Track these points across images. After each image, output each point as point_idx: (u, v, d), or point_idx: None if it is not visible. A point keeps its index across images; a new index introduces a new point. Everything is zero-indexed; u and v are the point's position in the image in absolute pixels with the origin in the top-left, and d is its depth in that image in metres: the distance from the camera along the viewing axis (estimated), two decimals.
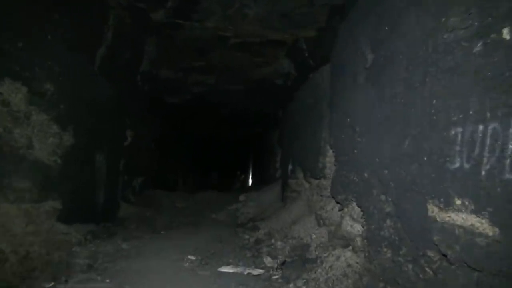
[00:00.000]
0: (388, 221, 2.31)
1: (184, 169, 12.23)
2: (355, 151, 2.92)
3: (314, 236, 3.57)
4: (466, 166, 1.56)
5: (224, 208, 7.02)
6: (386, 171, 2.36)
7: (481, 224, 1.48)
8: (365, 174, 2.69)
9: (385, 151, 2.37)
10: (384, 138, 2.41)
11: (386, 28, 2.47)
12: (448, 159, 1.68)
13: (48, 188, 3.87)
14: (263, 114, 9.60)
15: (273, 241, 4.00)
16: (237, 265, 3.29)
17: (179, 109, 9.52)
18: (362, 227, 2.78)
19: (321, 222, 3.81)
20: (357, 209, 2.90)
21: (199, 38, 6.05)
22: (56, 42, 3.88)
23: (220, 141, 13.85)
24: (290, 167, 5.64)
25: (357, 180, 2.86)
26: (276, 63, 7.01)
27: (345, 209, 3.19)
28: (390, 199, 2.30)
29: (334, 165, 3.57)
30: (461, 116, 1.61)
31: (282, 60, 6.87)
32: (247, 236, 4.55)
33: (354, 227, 2.99)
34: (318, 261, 3.09)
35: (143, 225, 5.22)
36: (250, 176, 14.08)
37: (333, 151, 3.65)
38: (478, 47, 1.56)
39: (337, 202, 3.34)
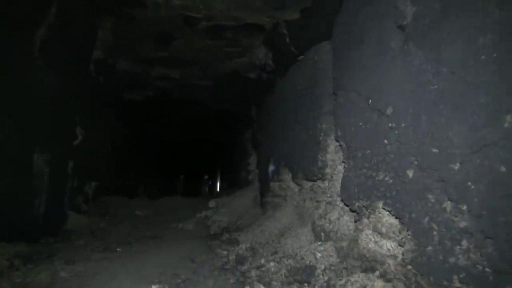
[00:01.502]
0: (464, 243, 1.48)
1: (146, 173, 11.04)
2: (385, 141, 2.08)
3: (319, 254, 2.69)
4: None
5: (192, 216, 6.01)
6: (457, 166, 1.53)
7: None
8: (409, 173, 1.86)
9: (456, 137, 1.55)
10: (450, 119, 1.59)
11: None
12: None
13: None
14: (233, 112, 8.69)
15: (262, 260, 3.08)
16: None
17: (140, 107, 8.42)
18: (400, 246, 1.95)
19: (322, 235, 2.95)
20: (390, 220, 2.07)
21: (163, 20, 5.07)
22: None
23: (186, 142, 12.77)
24: (271, 168, 4.76)
25: (390, 181, 2.03)
26: (251, 53, 6.14)
27: (365, 220, 2.35)
28: (466, 208, 1.48)
29: (343, 162, 2.73)
30: None
31: (258, 50, 6.01)
32: (225, 252, 3.61)
33: (381, 244, 2.14)
34: None
35: (94, 240, 4.14)
36: (219, 180, 13.08)
37: (339, 145, 2.81)
38: None
39: (352, 211, 2.50)
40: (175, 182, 15.43)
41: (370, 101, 2.25)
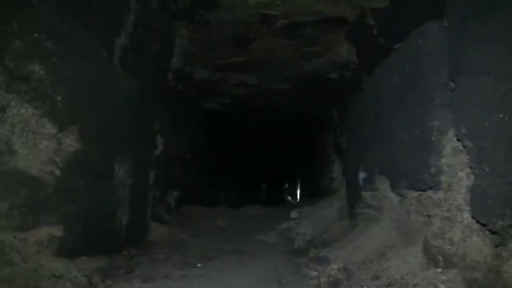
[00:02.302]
0: None
1: (226, 182, 10.96)
2: None
3: (442, 286, 2.09)
4: None
5: (273, 227, 5.63)
6: None
7: None
8: None
9: None
10: None
11: None
12: None
13: (40, 210, 2.68)
14: (313, 116, 8.20)
15: (361, 286, 2.55)
16: None
17: (218, 115, 8.32)
18: None
19: (441, 259, 2.33)
20: None
21: (239, 21, 4.81)
22: (49, 10, 2.72)
23: (264, 149, 12.52)
24: (362, 175, 4.17)
25: None
26: (332, 51, 5.64)
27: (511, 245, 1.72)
28: None
29: (471, 167, 2.10)
30: None
31: (339, 47, 5.48)
32: (314, 273, 3.13)
33: None
34: None
35: (175, 253, 3.92)
36: (299, 188, 12.57)
37: (463, 146, 2.19)
38: None
39: (493, 232, 1.87)
40: (256, 190, 15.21)
41: None
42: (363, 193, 4.07)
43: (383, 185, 3.51)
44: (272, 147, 12.12)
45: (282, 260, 3.71)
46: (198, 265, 3.42)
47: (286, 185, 14.40)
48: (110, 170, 3.65)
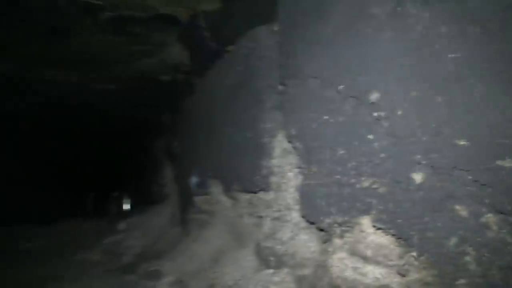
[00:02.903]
0: None
1: (41, 193, 9.33)
2: (370, 136, 1.56)
3: (273, 287, 2.07)
4: None
5: (98, 242, 4.96)
6: (509, 163, 1.05)
7: None
8: (415, 177, 1.35)
9: (506, 120, 1.07)
10: (492, 93, 1.11)
11: None
12: None
13: None
14: (142, 120, 7.70)
15: None
16: None
17: (24, 117, 6.98)
18: (401, 274, 1.42)
19: (273, 260, 2.34)
20: (379, 240, 1.54)
21: (56, 9, 4.06)
22: None
23: (91, 156, 11.22)
24: (195, 179, 4.03)
25: (383, 189, 1.50)
26: (163, 52, 5.36)
27: (336, 241, 1.80)
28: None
29: (300, 168, 2.16)
30: None
31: (172, 48, 5.25)
32: None
33: (365, 272, 1.60)
34: None
35: None
36: (128, 196, 11.67)
37: (293, 147, 2.24)
38: None
39: (320, 229, 1.93)
40: (82, 201, 13.46)
41: (341, 87, 1.72)
42: (195, 198, 3.92)
43: (216, 189, 3.43)
44: (99, 153, 10.96)
45: (108, 281, 3.21)
46: None
47: (115, 194, 13.23)
48: None
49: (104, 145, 10.16)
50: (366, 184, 1.57)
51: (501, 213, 1.06)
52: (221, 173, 3.30)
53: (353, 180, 1.64)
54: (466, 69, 1.17)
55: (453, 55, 1.22)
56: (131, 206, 11.00)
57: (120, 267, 3.77)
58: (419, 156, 1.32)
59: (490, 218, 1.10)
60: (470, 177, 1.14)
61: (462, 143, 1.17)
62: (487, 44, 1.11)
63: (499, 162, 1.08)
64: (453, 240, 1.19)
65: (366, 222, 1.58)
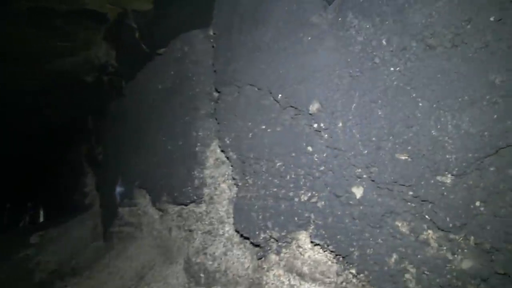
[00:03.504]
0: None
1: None
2: (310, 148, 1.48)
3: None
4: None
5: (8, 257, 4.37)
6: (449, 179, 1.03)
7: None
8: (355, 191, 1.30)
9: (447, 135, 1.05)
10: (433, 109, 1.09)
11: None
12: None
13: None
14: (63, 124, 7.06)
15: None
16: None
17: None
18: None
19: (203, 277, 2.18)
20: (317, 257, 1.46)
21: None
22: None
23: (5, 163, 10.01)
24: (119, 189, 3.71)
25: (321, 203, 1.43)
26: (89, 51, 4.97)
27: (272, 257, 1.70)
28: (472, 240, 0.97)
29: (234, 179, 2.03)
30: None
31: (98, 47, 4.89)
32: None
33: None
34: None
35: None
36: (44, 207, 10.57)
37: (227, 157, 2.11)
38: None
39: (255, 244, 1.81)
40: None
41: (280, 96, 1.64)
42: (120, 209, 3.61)
43: (143, 200, 3.17)
44: (14, 160, 9.81)
45: None
46: None
47: (30, 204, 11.89)
48: None
49: (19, 150, 9.14)
50: (304, 197, 1.49)
51: (442, 230, 1.03)
52: (149, 182, 3.06)
53: (291, 194, 1.55)
54: (407, 84, 1.15)
55: (393, 69, 1.19)
56: (48, 217, 10.00)
57: (31, 286, 3.32)
58: (359, 170, 1.27)
59: (430, 234, 1.07)
60: (410, 193, 1.11)
61: (403, 157, 1.14)
62: (428, 60, 1.09)
63: (439, 178, 1.05)
64: (394, 257, 1.15)
65: (304, 237, 1.50)
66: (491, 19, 0.97)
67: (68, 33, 4.57)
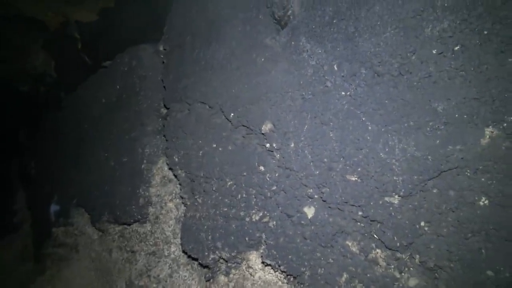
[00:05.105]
0: None
1: None
2: (262, 168, 1.47)
3: None
4: None
5: None
6: (396, 200, 1.06)
7: None
8: (307, 211, 1.29)
9: (394, 158, 1.08)
10: (382, 132, 1.12)
11: None
12: None
13: None
14: None
15: None
16: None
17: None
18: None
19: None
20: (267, 277, 1.43)
21: None
22: None
23: None
24: (54, 207, 3.42)
25: (273, 223, 1.41)
26: (25, 60, 4.63)
27: (221, 278, 1.64)
28: (418, 259, 1.00)
29: (182, 197, 1.95)
30: None
31: (35, 56, 4.58)
32: None
33: None
34: None
35: None
36: None
37: (174, 175, 2.02)
38: None
39: (204, 265, 1.73)
40: None
41: (232, 114, 1.62)
42: (54, 229, 3.31)
43: (81, 219, 2.94)
44: None
45: None
46: None
47: None
48: None
49: None
50: (256, 217, 1.46)
51: (389, 248, 1.05)
52: (89, 200, 2.85)
53: (242, 213, 1.52)
54: (357, 108, 1.18)
55: (344, 93, 1.22)
56: None
57: None
58: (311, 190, 1.27)
59: (378, 253, 1.09)
60: (360, 213, 1.12)
61: (353, 179, 1.16)
62: (376, 86, 1.13)
63: (387, 199, 1.08)
64: (344, 276, 1.15)
65: (254, 257, 1.47)
66: (434, 51, 1.03)
67: (4, 39, 4.25)
